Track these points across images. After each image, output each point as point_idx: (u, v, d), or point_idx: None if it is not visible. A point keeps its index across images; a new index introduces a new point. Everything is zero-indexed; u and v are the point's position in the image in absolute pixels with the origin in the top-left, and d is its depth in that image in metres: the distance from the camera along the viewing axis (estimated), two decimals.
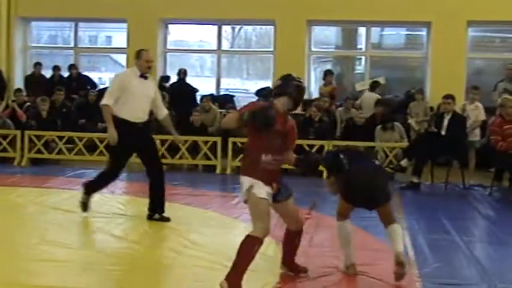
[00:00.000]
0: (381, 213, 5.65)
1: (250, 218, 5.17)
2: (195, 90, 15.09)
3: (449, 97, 10.92)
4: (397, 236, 5.64)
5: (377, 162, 5.85)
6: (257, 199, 5.08)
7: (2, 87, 15.34)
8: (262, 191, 5.10)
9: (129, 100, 7.42)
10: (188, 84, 15.03)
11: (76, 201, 8.07)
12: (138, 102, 7.49)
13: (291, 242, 5.64)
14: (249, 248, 4.97)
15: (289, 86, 5.22)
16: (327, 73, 14.65)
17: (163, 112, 7.87)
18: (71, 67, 15.69)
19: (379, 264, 6.01)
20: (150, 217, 7.75)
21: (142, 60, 7.51)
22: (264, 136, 5.07)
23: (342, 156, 5.52)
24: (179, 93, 14.46)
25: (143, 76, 7.56)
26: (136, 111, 7.48)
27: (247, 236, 5.02)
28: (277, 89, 5.29)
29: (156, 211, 7.74)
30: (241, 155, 5.53)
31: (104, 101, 7.49)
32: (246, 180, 5.14)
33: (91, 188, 7.93)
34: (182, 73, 15.01)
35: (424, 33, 15.40)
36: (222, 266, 5.51)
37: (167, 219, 7.68)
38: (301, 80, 5.36)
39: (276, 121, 5.01)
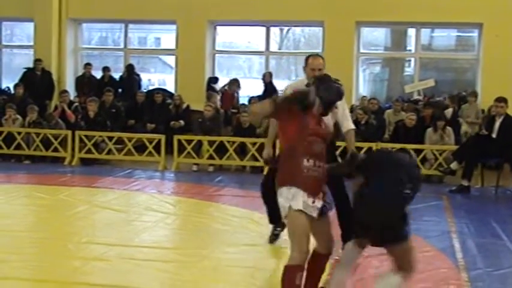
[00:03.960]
0: (393, 253, 4.68)
1: (288, 236, 4.61)
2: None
3: (502, 100, 10.71)
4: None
5: (407, 190, 4.68)
6: (294, 213, 4.46)
7: (51, 88, 15.63)
8: (300, 202, 4.46)
9: None
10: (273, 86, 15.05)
11: (125, 200, 8.15)
12: None
13: (318, 268, 4.87)
14: (291, 280, 4.44)
15: (320, 88, 4.76)
16: None
17: (345, 126, 6.42)
18: (127, 67, 15.88)
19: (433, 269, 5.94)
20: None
21: (308, 68, 6.35)
22: (303, 138, 4.54)
23: (367, 160, 4.88)
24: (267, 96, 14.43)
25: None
26: None
27: (286, 267, 4.48)
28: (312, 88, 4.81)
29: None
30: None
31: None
32: (284, 192, 4.53)
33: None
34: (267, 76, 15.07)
35: (475, 34, 15.14)
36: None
37: None
38: (336, 82, 4.89)
39: (314, 106, 4.64)
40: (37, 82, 15.37)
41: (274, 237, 6.84)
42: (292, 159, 4.55)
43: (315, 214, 4.51)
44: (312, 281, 4.83)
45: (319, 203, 4.54)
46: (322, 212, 4.58)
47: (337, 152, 10.74)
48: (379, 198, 4.55)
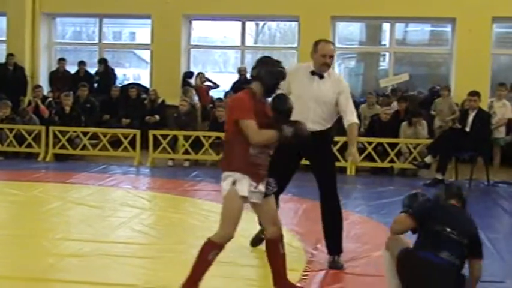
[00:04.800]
0: None
1: (221, 215, 4.79)
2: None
3: (475, 94, 10.82)
4: None
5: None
6: (236, 197, 4.68)
7: (24, 83, 15.47)
8: (245, 188, 4.67)
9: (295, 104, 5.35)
10: (249, 81, 14.96)
11: (100, 196, 8.10)
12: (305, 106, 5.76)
13: (274, 256, 5.01)
14: (207, 254, 4.71)
15: (261, 70, 4.82)
16: None
17: (348, 119, 5.88)
18: (101, 61, 15.76)
19: None
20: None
21: (317, 55, 5.83)
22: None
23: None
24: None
25: (317, 74, 5.88)
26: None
27: (208, 240, 4.73)
28: (252, 72, 4.92)
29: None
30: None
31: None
32: (229, 175, 4.72)
33: None
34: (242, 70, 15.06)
35: (448, 29, 15.27)
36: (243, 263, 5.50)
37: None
38: (278, 65, 4.87)
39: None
40: (9, 77, 15.22)
41: (257, 241, 6.41)
42: (239, 145, 4.70)
43: (259, 200, 4.77)
44: (276, 272, 5.00)
45: (262, 187, 4.76)
46: (266, 194, 4.81)
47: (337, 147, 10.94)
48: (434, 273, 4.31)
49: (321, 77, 5.84)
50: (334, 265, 5.87)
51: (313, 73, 5.86)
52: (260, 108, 4.78)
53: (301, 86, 5.82)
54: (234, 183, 4.69)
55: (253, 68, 4.92)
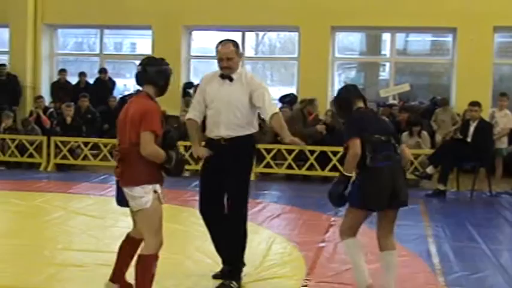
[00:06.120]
0: (393, 217, 5.14)
1: (144, 229, 4.81)
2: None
3: (476, 104, 10.81)
4: (395, 269, 5.21)
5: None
6: (155, 207, 4.77)
7: (17, 93, 15.45)
8: (161, 196, 4.79)
9: (210, 110, 5.63)
10: None
11: (101, 206, 8.09)
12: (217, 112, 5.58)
13: (131, 252, 5.07)
14: (148, 269, 4.72)
15: (150, 72, 4.81)
16: None
17: (267, 113, 5.50)
18: (101, 71, 15.77)
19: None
20: None
21: (217, 58, 5.61)
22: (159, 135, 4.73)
23: (368, 150, 4.93)
24: None
25: (227, 77, 5.57)
26: (213, 124, 5.61)
27: (143, 256, 4.74)
28: (140, 76, 4.87)
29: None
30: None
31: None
32: (140, 190, 4.70)
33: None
34: None
35: (450, 39, 15.28)
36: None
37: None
38: (163, 63, 4.90)
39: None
40: (1, 87, 15.22)
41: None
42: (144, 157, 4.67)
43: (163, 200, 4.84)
44: (123, 268, 5.11)
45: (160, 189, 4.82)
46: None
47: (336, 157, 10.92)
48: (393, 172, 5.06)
49: (231, 79, 5.53)
50: None
51: (222, 76, 5.56)
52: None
53: (212, 91, 5.58)
54: (155, 192, 4.74)
55: (139, 72, 4.85)
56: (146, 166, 4.69)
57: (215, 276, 5.70)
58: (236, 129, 5.47)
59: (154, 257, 4.74)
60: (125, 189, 4.75)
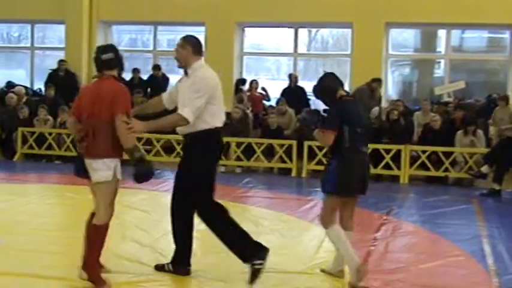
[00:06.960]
0: (356, 202, 5.63)
1: (100, 200, 5.23)
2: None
3: None
4: (350, 246, 5.47)
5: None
6: (114, 181, 5.22)
7: (74, 89, 15.70)
8: (119, 171, 5.20)
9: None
10: (300, 87, 15.00)
11: (154, 200, 8.15)
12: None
13: (102, 240, 5.28)
14: (100, 237, 5.16)
15: (114, 58, 5.46)
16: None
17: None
18: (155, 68, 15.96)
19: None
20: None
21: None
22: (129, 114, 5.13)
23: (346, 133, 5.34)
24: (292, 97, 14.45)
25: (185, 72, 5.56)
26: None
27: (95, 226, 5.15)
28: (107, 63, 5.49)
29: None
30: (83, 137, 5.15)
31: None
32: (102, 163, 5.09)
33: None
34: (294, 77, 15.07)
35: (507, 35, 14.97)
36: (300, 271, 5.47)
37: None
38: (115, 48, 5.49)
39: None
40: (60, 83, 15.52)
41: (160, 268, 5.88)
42: (112, 132, 5.02)
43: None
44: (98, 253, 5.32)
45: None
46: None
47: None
48: (364, 160, 5.61)
49: (186, 74, 5.49)
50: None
51: (185, 72, 5.54)
52: None
53: (179, 85, 5.65)
54: (115, 167, 5.12)
55: (104, 61, 5.47)
56: (112, 141, 5.05)
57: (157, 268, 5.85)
58: (188, 126, 5.41)
59: (105, 227, 5.19)
60: (89, 161, 5.10)
